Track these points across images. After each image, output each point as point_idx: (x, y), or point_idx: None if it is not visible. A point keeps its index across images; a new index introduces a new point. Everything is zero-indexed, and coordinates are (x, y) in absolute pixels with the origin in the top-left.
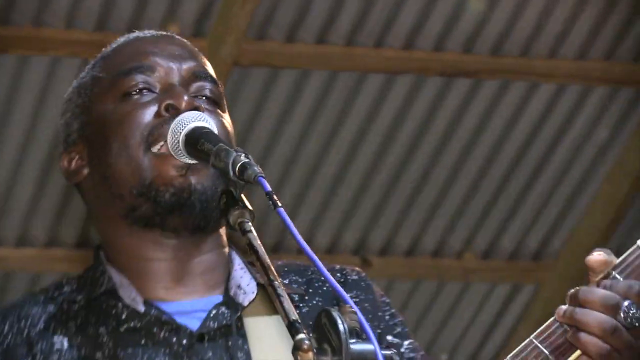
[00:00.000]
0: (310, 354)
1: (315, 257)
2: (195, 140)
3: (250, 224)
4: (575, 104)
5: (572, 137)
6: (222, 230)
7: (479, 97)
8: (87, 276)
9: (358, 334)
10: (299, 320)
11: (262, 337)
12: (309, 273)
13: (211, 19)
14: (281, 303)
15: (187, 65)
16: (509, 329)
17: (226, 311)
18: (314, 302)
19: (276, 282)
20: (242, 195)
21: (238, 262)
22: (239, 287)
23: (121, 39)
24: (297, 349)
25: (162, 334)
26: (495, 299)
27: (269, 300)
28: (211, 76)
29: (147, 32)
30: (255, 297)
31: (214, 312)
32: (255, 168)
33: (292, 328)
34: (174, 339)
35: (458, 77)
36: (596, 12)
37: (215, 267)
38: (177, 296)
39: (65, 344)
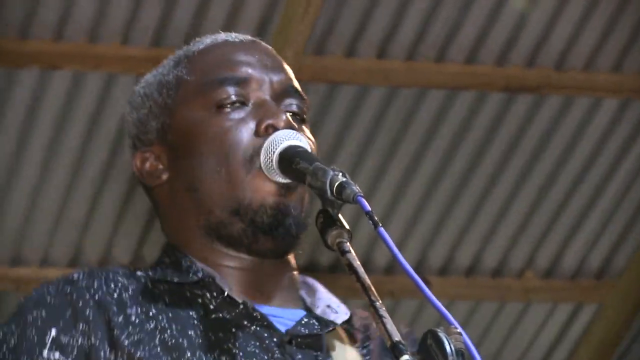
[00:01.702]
0: None
1: (418, 278)
2: (290, 159)
3: (348, 244)
4: (639, 119)
5: (636, 153)
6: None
7: (542, 113)
8: (167, 264)
9: (464, 355)
10: (403, 342)
11: None
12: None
13: (270, 33)
14: (384, 324)
15: (278, 78)
16: (570, 350)
17: (316, 324)
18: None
19: (377, 303)
20: (340, 216)
21: (321, 286)
22: (328, 306)
23: (207, 40)
24: None
25: (252, 328)
26: (556, 319)
27: (347, 331)
28: (299, 92)
29: (234, 36)
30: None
31: (305, 320)
32: (354, 187)
33: (396, 349)
34: (265, 334)
35: (521, 92)
36: None
37: (290, 286)
38: (258, 301)
39: (159, 315)
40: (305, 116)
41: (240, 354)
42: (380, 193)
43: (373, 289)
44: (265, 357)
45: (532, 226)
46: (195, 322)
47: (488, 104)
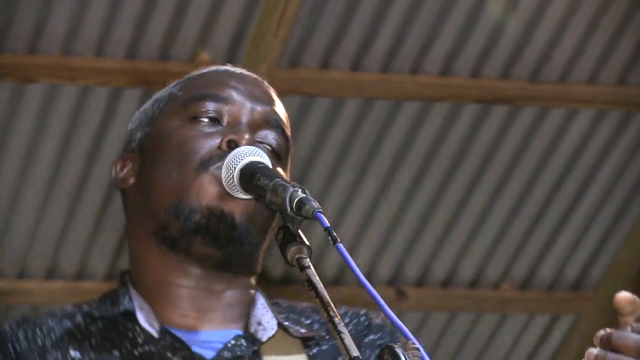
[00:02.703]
0: None
1: (374, 292)
2: (251, 175)
3: (308, 260)
4: (615, 130)
5: (612, 163)
6: (254, 277)
7: (516, 124)
8: (109, 297)
9: None
10: (361, 357)
11: None
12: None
13: (243, 46)
14: (342, 340)
15: (261, 108)
16: None
17: (244, 344)
18: (333, 343)
19: (336, 319)
20: (300, 231)
21: (261, 302)
22: (259, 323)
23: (212, 67)
24: None
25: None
26: (533, 330)
27: (289, 342)
28: (282, 127)
29: (240, 71)
30: (275, 335)
31: (232, 343)
32: (314, 203)
33: None
34: None
35: (495, 104)
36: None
37: (237, 304)
38: (196, 324)
39: (79, 357)
40: (282, 154)
41: None
42: (355, 205)
43: (332, 304)
44: None
45: (508, 238)
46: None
47: (463, 116)
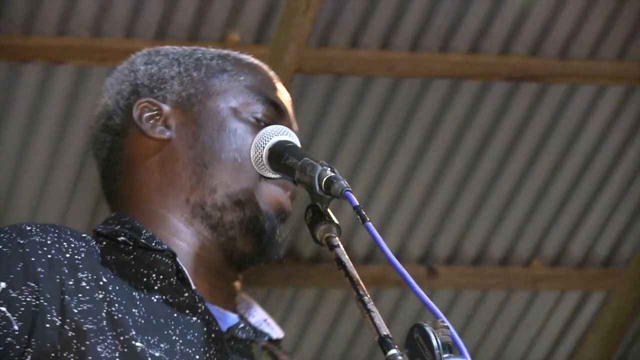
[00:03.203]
0: None
1: (404, 270)
2: (279, 154)
3: (337, 239)
4: None
5: None
6: None
7: (546, 101)
8: (123, 229)
9: (451, 348)
10: (391, 336)
11: None
12: None
13: (273, 26)
14: (372, 318)
15: (295, 128)
16: (579, 338)
17: (252, 331)
18: None
19: (366, 298)
20: (329, 210)
21: (258, 306)
22: (265, 321)
23: (254, 60)
24: None
25: (194, 318)
26: (564, 307)
27: (272, 354)
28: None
29: (266, 66)
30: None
31: (242, 325)
32: (343, 182)
33: (384, 343)
34: (205, 328)
35: (525, 81)
36: None
37: (233, 293)
38: (207, 297)
39: (109, 286)
40: None
41: (180, 341)
42: (385, 183)
43: (361, 283)
44: (202, 350)
45: (539, 215)
46: (138, 302)
47: (492, 93)
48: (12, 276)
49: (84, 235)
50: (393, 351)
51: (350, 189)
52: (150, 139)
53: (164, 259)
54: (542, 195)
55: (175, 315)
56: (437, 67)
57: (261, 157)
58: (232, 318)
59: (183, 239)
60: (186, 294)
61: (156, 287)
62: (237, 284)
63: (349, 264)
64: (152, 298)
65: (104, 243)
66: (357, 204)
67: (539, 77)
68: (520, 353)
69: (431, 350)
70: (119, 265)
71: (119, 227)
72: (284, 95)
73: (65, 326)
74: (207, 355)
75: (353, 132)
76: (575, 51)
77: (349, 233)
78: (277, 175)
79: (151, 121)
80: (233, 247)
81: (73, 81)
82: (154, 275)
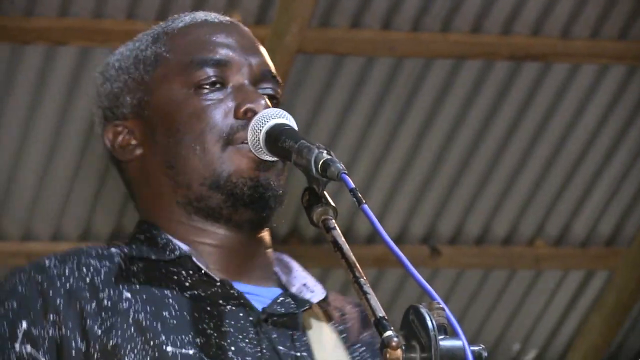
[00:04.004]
0: (399, 351)
1: (398, 251)
2: (276, 137)
3: (333, 221)
4: None
5: None
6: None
7: (548, 81)
8: (142, 240)
9: (446, 330)
10: (387, 318)
11: (321, 340)
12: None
13: (274, 7)
14: (367, 300)
15: (256, 62)
16: (582, 317)
17: (292, 302)
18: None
19: (362, 280)
20: (325, 193)
21: (297, 265)
22: (304, 285)
23: (186, 18)
24: (385, 346)
25: (228, 307)
26: (567, 287)
27: (324, 310)
28: (275, 76)
29: (213, 16)
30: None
31: (281, 299)
32: (339, 165)
33: (380, 325)
34: (241, 314)
35: (527, 61)
36: None
37: (267, 264)
38: (236, 278)
39: (131, 297)
40: (280, 100)
41: (215, 334)
42: (388, 163)
43: (358, 265)
44: (240, 337)
45: (542, 194)
46: (170, 300)
47: (494, 73)
48: (32, 314)
49: (106, 253)
50: (389, 332)
51: (346, 172)
52: (129, 163)
53: (184, 260)
54: (545, 175)
55: (208, 308)
56: (439, 47)
57: (258, 140)
58: (273, 292)
59: (197, 236)
60: (218, 284)
61: (187, 284)
62: (266, 252)
63: (345, 246)
64: (185, 294)
65: (133, 254)
66: (353, 186)
67: (541, 57)
68: (523, 332)
69: (426, 331)
70: (147, 270)
71: (142, 235)
72: (223, 39)
73: (90, 349)
74: (247, 340)
75: (355, 113)
76: (577, 31)
77: (351, 214)
78: (274, 158)
79: (121, 146)
80: (237, 222)
81: (75, 63)
82: (183, 272)
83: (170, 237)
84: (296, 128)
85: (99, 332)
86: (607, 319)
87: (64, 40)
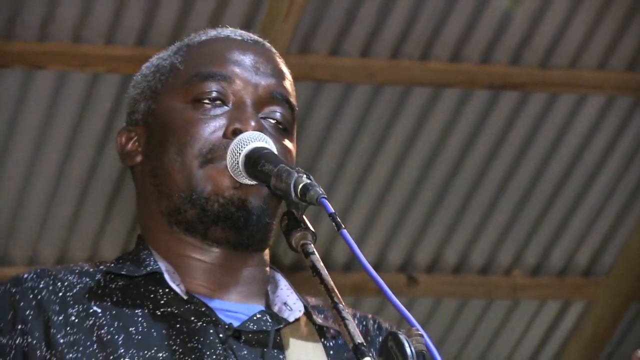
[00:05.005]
0: None
1: (377, 276)
2: (256, 161)
3: (312, 245)
4: (625, 116)
5: (622, 149)
6: (267, 251)
7: (527, 110)
8: (128, 257)
9: (425, 357)
10: (365, 344)
11: (301, 358)
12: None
13: (253, 33)
14: (346, 326)
15: (266, 83)
16: (559, 347)
17: (269, 320)
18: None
19: (340, 305)
20: (304, 217)
21: (285, 283)
22: (285, 304)
23: (212, 33)
24: None
25: (199, 324)
26: (544, 316)
27: (307, 328)
28: (288, 99)
29: (239, 34)
30: (299, 319)
31: (257, 316)
32: (318, 189)
33: (358, 351)
34: (211, 330)
35: (505, 90)
36: None
37: (255, 281)
38: (217, 295)
39: (100, 313)
40: (288, 126)
41: (180, 350)
42: (366, 191)
43: (336, 290)
44: (208, 353)
45: (520, 224)
46: (140, 318)
47: (473, 102)
48: (2, 324)
49: (91, 270)
50: (367, 359)
51: (325, 196)
52: (133, 169)
53: (157, 277)
54: (523, 204)
55: (178, 326)
56: (418, 75)
57: (237, 163)
58: (253, 309)
59: (180, 248)
60: (190, 302)
61: (162, 302)
62: (258, 270)
63: (324, 271)
64: (157, 312)
65: (110, 271)
66: (333, 211)
67: (520, 86)
68: None
69: (405, 358)
70: (125, 288)
71: (120, 263)
72: (237, 55)
73: (53, 357)
74: (213, 357)
75: (333, 139)
76: (556, 60)
77: (329, 240)
78: (253, 182)
79: (127, 152)
80: (213, 238)
81: (53, 87)
82: (160, 291)
83: (152, 252)
84: (276, 152)
85: (62, 341)
86: (584, 349)
87: (42, 64)
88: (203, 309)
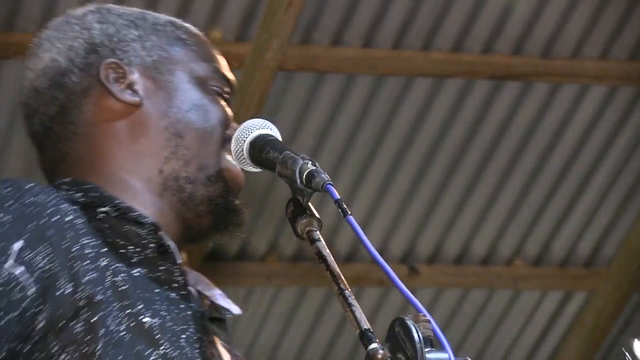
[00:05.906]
0: None
1: (385, 264)
2: (260, 148)
3: (318, 232)
4: (627, 106)
5: (624, 139)
6: None
7: (528, 100)
8: (92, 197)
9: (432, 342)
10: (372, 330)
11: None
12: None
13: (255, 24)
14: (352, 312)
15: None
16: (560, 338)
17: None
18: None
19: (347, 292)
20: (310, 204)
21: (203, 278)
22: (220, 294)
23: (193, 30)
24: (370, 358)
25: (172, 294)
26: (546, 307)
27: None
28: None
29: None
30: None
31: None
32: (323, 175)
33: (365, 337)
34: (182, 305)
35: (507, 80)
36: None
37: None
38: None
39: (107, 253)
40: None
41: (168, 317)
42: (367, 182)
43: (342, 277)
44: (188, 327)
45: (521, 214)
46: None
47: (474, 92)
48: (27, 235)
49: (65, 207)
50: (374, 345)
51: (331, 182)
52: (119, 102)
53: (138, 230)
54: (525, 195)
55: (157, 290)
56: (420, 65)
57: (242, 150)
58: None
59: (149, 209)
60: (162, 268)
61: (134, 260)
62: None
63: (330, 258)
64: (133, 272)
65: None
66: (339, 197)
67: (522, 76)
68: (501, 353)
69: (412, 344)
70: (112, 227)
71: (81, 194)
72: (226, 67)
73: (76, 296)
74: (191, 331)
75: (335, 131)
76: (558, 50)
77: (331, 231)
78: (258, 169)
79: (118, 84)
80: (198, 223)
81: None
82: (130, 248)
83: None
84: (280, 139)
85: (84, 279)
86: (585, 339)
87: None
88: (180, 279)
